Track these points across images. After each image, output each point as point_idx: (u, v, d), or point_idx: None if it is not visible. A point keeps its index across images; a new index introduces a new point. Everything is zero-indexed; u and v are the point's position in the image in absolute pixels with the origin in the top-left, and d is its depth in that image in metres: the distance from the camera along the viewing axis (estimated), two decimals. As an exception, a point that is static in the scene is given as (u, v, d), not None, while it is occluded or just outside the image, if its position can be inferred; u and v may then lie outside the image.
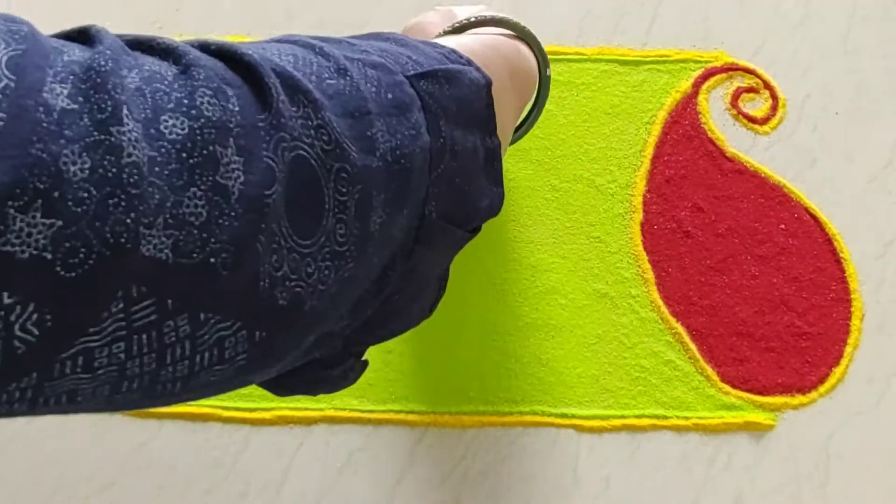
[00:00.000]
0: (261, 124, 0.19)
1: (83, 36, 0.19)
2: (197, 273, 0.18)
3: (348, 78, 0.23)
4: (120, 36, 0.20)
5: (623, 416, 0.48)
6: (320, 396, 0.48)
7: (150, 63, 0.19)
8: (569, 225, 0.51)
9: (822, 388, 0.49)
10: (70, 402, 0.17)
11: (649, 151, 0.53)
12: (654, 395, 0.48)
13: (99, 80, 0.17)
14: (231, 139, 0.18)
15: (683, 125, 0.53)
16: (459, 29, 0.40)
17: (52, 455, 0.47)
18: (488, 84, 0.30)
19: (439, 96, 0.27)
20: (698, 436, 0.48)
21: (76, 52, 0.18)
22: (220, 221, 0.18)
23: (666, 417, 0.48)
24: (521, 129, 0.45)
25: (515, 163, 0.52)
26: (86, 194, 0.15)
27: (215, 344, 0.19)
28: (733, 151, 0.53)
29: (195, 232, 0.17)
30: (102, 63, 0.17)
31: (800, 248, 0.51)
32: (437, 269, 0.30)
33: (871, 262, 0.51)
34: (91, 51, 0.18)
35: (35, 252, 0.15)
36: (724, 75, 0.55)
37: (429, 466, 0.47)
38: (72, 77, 0.16)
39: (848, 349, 0.49)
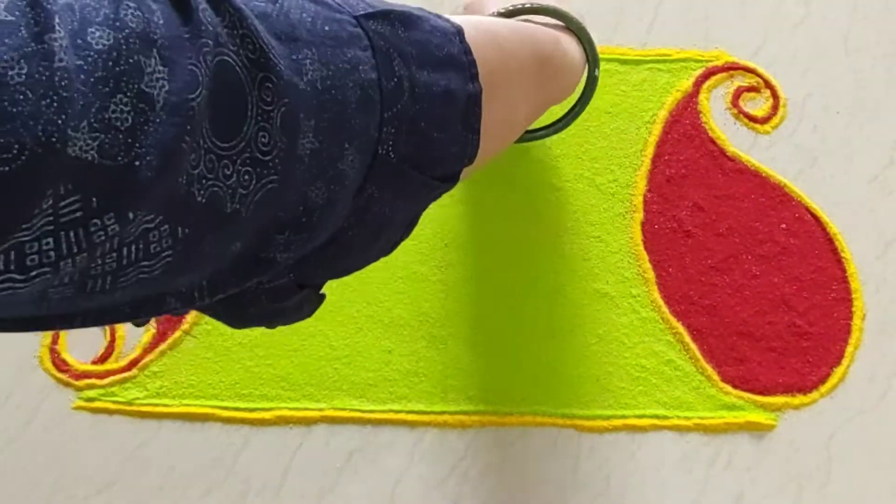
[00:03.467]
0: (185, 35, 0.20)
1: None
2: (122, 174, 0.18)
3: (278, 4, 0.23)
4: None
5: (624, 416, 0.48)
6: (320, 397, 0.48)
7: None
8: (569, 224, 0.51)
9: (823, 388, 0.48)
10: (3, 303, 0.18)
11: (650, 151, 0.53)
12: (655, 395, 0.48)
13: None
14: (155, 50, 0.19)
15: (684, 124, 0.53)
16: (511, 13, 0.40)
17: (52, 455, 0.47)
18: (458, 31, 0.30)
19: (392, 37, 0.27)
20: (699, 436, 0.48)
21: None
22: (146, 128, 0.19)
23: (667, 417, 0.48)
24: (557, 125, 0.47)
25: (516, 162, 0.52)
26: (21, 97, 0.17)
27: (141, 237, 0.20)
28: (734, 151, 0.53)
29: (120, 136, 0.18)
30: None
31: (801, 248, 0.51)
32: (402, 214, 0.30)
33: (872, 262, 0.51)
34: None
35: None
36: (724, 74, 0.54)
37: (429, 466, 0.47)
38: None
39: (849, 349, 0.49)
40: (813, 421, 0.48)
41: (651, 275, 0.50)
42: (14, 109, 0.16)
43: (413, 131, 0.28)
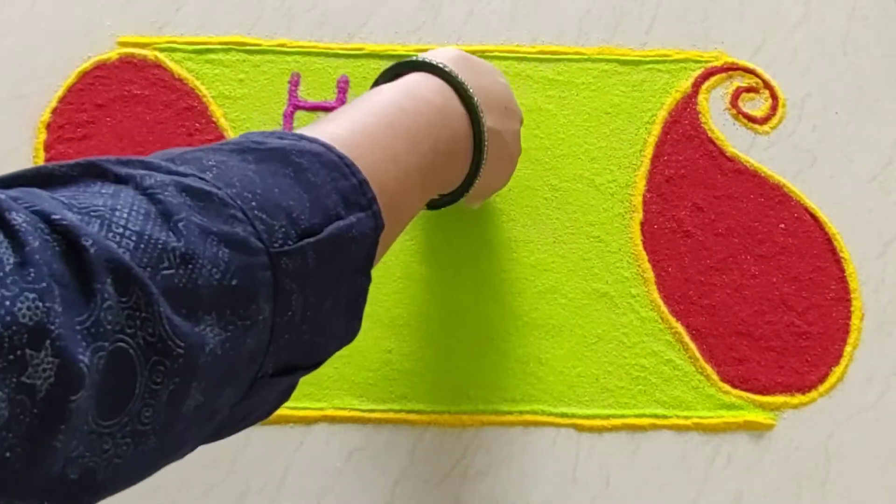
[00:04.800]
0: (78, 327, 0.20)
1: None
2: None
3: (189, 267, 0.23)
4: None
5: (623, 416, 0.48)
6: (320, 396, 0.48)
7: None
8: (569, 224, 0.51)
9: (821, 388, 0.49)
10: None
11: (649, 151, 0.53)
12: (654, 395, 0.48)
13: None
14: (48, 341, 0.19)
15: (683, 125, 0.53)
16: (395, 70, 0.39)
17: (52, 455, 0.47)
18: (377, 232, 0.30)
19: (300, 273, 0.26)
20: (698, 435, 0.48)
21: None
22: (22, 418, 0.18)
23: (666, 417, 0.48)
24: (457, 192, 0.41)
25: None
26: None
27: None
28: (733, 151, 0.53)
29: None
30: None
31: (799, 248, 0.51)
32: (272, 399, 0.30)
33: (870, 262, 0.51)
34: None
35: None
36: (723, 75, 0.55)
37: (428, 466, 0.47)
38: None
39: (848, 348, 0.49)
40: (812, 420, 0.48)
41: (650, 275, 0.50)
42: None
43: (296, 347, 0.28)
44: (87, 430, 0.20)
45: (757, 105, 0.54)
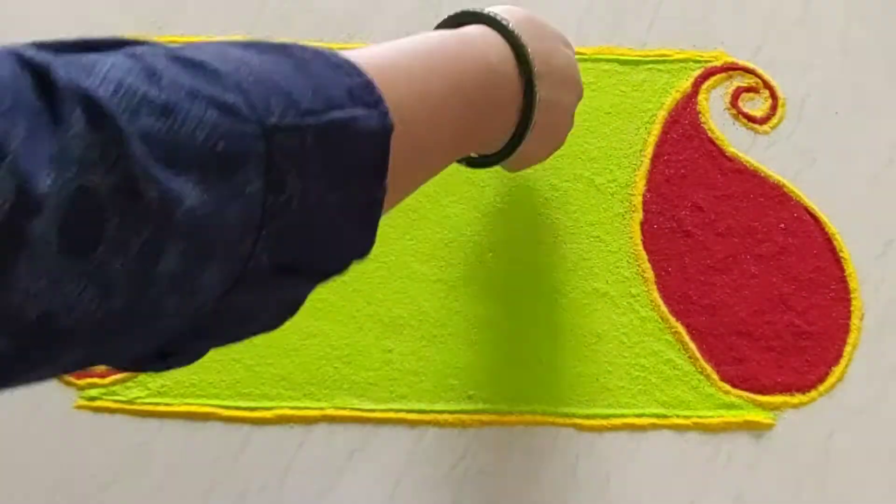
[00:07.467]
0: (43, 153, 0.19)
1: None
2: None
3: (170, 120, 0.22)
4: None
5: (623, 415, 0.48)
6: (321, 396, 0.48)
7: None
8: (569, 224, 0.51)
9: (821, 388, 0.49)
10: None
11: (649, 151, 0.53)
12: (654, 394, 0.48)
13: None
14: (4, 162, 0.18)
15: (683, 125, 0.53)
16: (458, 18, 0.39)
17: (52, 455, 0.47)
18: (386, 132, 0.28)
19: (296, 152, 0.25)
20: (698, 435, 0.48)
21: None
22: None
23: (666, 416, 0.48)
24: (495, 156, 0.41)
25: (515, 162, 0.52)
26: None
27: None
28: (733, 151, 0.53)
29: None
30: None
31: (799, 248, 0.51)
32: (272, 307, 0.29)
33: (870, 262, 0.51)
34: None
35: None
36: (723, 75, 0.55)
37: (429, 466, 0.47)
38: None
39: (847, 348, 0.49)
40: (811, 420, 0.48)
41: (650, 274, 0.50)
42: None
43: (296, 240, 0.27)
44: (49, 266, 0.20)
45: (757, 105, 0.54)
